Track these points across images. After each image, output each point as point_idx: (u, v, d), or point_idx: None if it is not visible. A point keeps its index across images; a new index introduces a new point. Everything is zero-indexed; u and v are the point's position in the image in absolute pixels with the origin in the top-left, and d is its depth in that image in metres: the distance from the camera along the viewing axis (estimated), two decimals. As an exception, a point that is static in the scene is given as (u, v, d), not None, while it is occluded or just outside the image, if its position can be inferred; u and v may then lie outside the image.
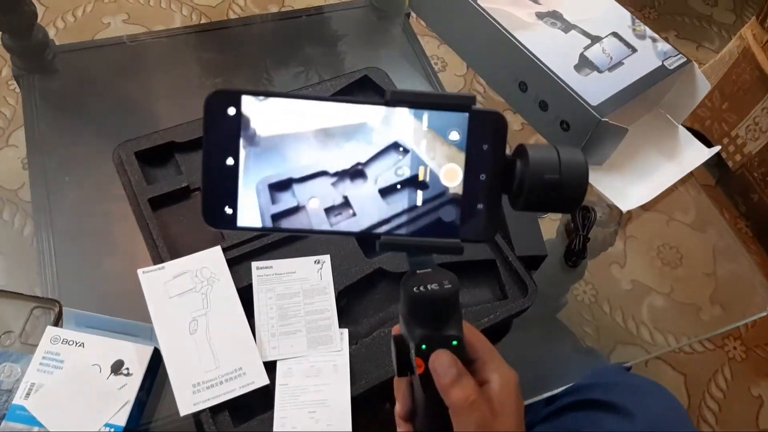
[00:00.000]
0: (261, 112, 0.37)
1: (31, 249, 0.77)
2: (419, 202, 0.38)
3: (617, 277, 0.91)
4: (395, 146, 0.38)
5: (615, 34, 0.85)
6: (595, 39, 0.84)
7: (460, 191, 0.38)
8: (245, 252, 0.69)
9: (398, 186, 0.38)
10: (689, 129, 0.91)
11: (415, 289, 0.39)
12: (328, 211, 0.38)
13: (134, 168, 0.73)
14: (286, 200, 0.37)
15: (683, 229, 0.98)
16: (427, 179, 0.38)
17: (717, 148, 0.88)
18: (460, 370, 0.38)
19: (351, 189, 0.38)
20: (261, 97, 0.36)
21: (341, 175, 0.38)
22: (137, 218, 0.70)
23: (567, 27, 0.84)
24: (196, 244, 0.68)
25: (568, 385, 0.71)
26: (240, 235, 0.70)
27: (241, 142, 0.36)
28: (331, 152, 0.38)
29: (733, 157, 1.35)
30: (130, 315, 0.65)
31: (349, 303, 0.70)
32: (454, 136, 0.38)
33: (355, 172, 0.38)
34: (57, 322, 0.65)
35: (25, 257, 0.78)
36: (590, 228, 0.81)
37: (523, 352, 0.76)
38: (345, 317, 0.68)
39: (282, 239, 0.71)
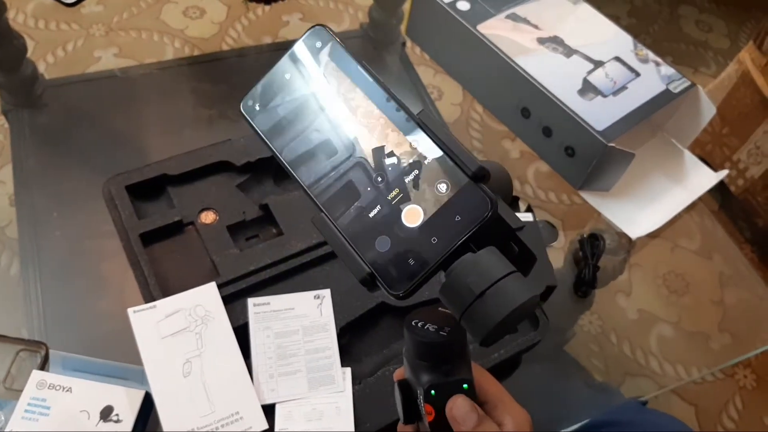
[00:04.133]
0: (330, 65, 0.40)
1: (18, 288, 0.74)
2: (371, 214, 0.37)
3: (623, 307, 0.89)
4: (395, 156, 0.38)
5: (618, 59, 0.84)
6: (597, 64, 0.82)
7: (406, 234, 0.36)
8: (241, 288, 0.67)
9: (368, 189, 0.37)
10: (690, 154, 0.90)
11: (419, 332, 0.37)
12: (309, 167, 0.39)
13: (125, 202, 0.70)
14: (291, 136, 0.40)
15: (689, 256, 0.96)
16: (393, 203, 0.37)
17: (725, 172, 0.86)
18: (481, 416, 0.36)
19: (330, 163, 0.39)
20: (341, 53, 0.40)
21: (336, 153, 0.39)
22: (128, 254, 0.68)
23: (569, 52, 0.83)
24: (189, 280, 0.65)
25: (582, 422, 0.68)
26: (236, 270, 0.67)
27: (303, 73, 0.40)
28: (339, 133, 0.39)
29: (736, 181, 1.33)
30: (120, 357, 0.62)
31: (351, 340, 0.67)
32: (442, 188, 0.36)
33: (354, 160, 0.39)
34: (43, 366, 0.62)
35: (11, 297, 0.75)
36: (599, 256, 0.79)
37: (534, 388, 0.74)
38: (347, 355, 0.65)
39: (279, 274, 0.68)
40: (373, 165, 0.37)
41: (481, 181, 0.36)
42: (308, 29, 0.40)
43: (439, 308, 0.38)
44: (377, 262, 0.36)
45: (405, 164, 0.37)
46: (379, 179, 0.37)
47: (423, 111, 0.37)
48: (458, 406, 0.36)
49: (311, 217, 0.38)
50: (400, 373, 0.40)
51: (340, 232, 0.37)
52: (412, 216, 0.36)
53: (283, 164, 0.40)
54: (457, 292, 0.35)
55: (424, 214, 0.36)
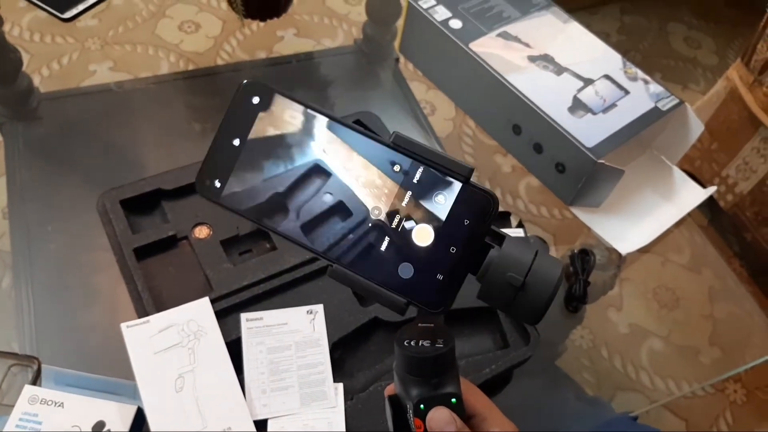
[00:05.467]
0: (278, 115, 0.38)
1: (10, 302, 0.74)
2: (383, 248, 0.37)
3: (614, 321, 0.89)
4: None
5: (607, 77, 0.85)
6: (587, 81, 0.83)
7: (425, 254, 0.37)
8: (234, 303, 0.67)
9: (369, 225, 0.37)
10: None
11: (408, 345, 0.37)
12: (299, 226, 0.38)
13: (119, 216, 0.70)
14: (269, 200, 0.38)
15: (679, 271, 0.97)
16: (398, 230, 0.37)
17: (713, 189, 0.87)
18: (460, 426, 0.36)
19: (323, 216, 0.38)
20: (284, 101, 0.38)
21: (313, 198, 0.38)
22: (121, 269, 0.68)
23: (559, 70, 0.84)
24: (182, 295, 0.65)
25: (573, 438, 0.68)
26: (229, 285, 0.68)
27: (253, 131, 0.38)
28: (315, 178, 0.38)
29: (725, 197, 1.34)
30: (112, 372, 0.62)
31: (344, 355, 0.67)
32: (440, 199, 0.37)
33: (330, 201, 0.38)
34: (35, 381, 0.62)
35: (3, 311, 0.75)
36: (590, 272, 0.80)
37: (524, 403, 0.74)
38: (339, 371, 0.65)
39: (272, 289, 0.69)
40: (367, 203, 0.37)
41: (470, 176, 0.37)
42: (238, 88, 0.38)
43: (420, 323, 0.38)
44: (408, 289, 0.37)
45: (397, 190, 0.37)
46: (376, 212, 0.37)
47: (395, 134, 0.37)
48: (436, 419, 0.36)
49: (327, 272, 0.37)
50: (392, 389, 0.40)
51: (361, 277, 0.37)
52: (423, 236, 0.37)
53: (278, 234, 0.38)
54: (499, 291, 0.36)
55: (433, 229, 0.37)
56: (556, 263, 0.37)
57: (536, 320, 0.36)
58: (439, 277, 0.37)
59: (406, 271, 0.37)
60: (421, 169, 0.37)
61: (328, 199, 0.38)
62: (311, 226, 0.38)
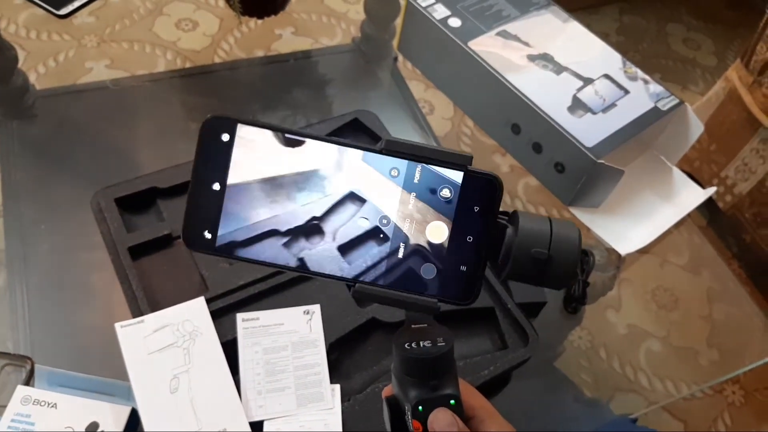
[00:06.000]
0: (253, 144, 0.36)
1: (3, 301, 0.73)
2: (400, 255, 0.37)
3: (613, 322, 0.88)
4: (353, 194, 0.37)
5: (607, 76, 0.84)
6: (587, 81, 0.83)
7: (444, 250, 0.37)
8: (230, 303, 0.66)
9: (381, 236, 0.37)
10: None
11: (407, 346, 0.37)
12: (309, 256, 0.37)
13: (114, 215, 0.70)
14: (268, 238, 0.36)
15: (677, 272, 0.96)
16: (411, 234, 0.37)
17: (713, 189, 0.87)
18: (461, 427, 0.36)
19: (307, 248, 0.37)
20: (254, 129, 0.36)
21: (295, 232, 0.37)
22: (116, 268, 0.67)
23: (559, 69, 0.84)
24: (178, 295, 0.65)
25: (572, 440, 0.68)
26: (224, 285, 0.67)
27: (231, 169, 0.36)
28: (283, 206, 0.37)
29: (724, 197, 1.34)
30: (106, 372, 0.61)
31: (341, 356, 0.66)
32: (445, 193, 0.37)
33: (312, 227, 0.37)
34: (29, 381, 0.62)
35: (-3, 309, 0.74)
36: (589, 272, 0.79)
37: (523, 404, 0.73)
38: (336, 372, 0.65)
39: (269, 288, 0.68)
40: (375, 215, 0.37)
41: (470, 163, 0.37)
42: (201, 127, 0.36)
43: (413, 325, 0.38)
44: (435, 289, 0.37)
45: (400, 195, 0.37)
46: (385, 221, 0.37)
47: (384, 141, 0.37)
48: (438, 419, 0.36)
49: (351, 294, 0.37)
50: (389, 390, 0.40)
51: (386, 289, 0.37)
52: (437, 233, 0.37)
53: (290, 270, 0.37)
54: (527, 269, 0.36)
55: (446, 224, 0.37)
56: (571, 224, 0.37)
57: (567, 285, 0.37)
58: (463, 268, 0.37)
59: (428, 271, 0.37)
60: (419, 168, 0.37)
61: (314, 221, 0.37)
62: (323, 252, 0.37)
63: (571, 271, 0.36)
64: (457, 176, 0.37)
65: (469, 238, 0.37)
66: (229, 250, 0.36)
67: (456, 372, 0.38)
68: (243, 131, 0.36)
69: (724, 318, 0.93)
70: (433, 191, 0.37)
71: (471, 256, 0.37)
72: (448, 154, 0.37)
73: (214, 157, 0.36)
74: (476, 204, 0.37)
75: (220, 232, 0.36)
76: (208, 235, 0.36)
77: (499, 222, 0.37)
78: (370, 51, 1.10)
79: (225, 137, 0.36)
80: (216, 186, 0.36)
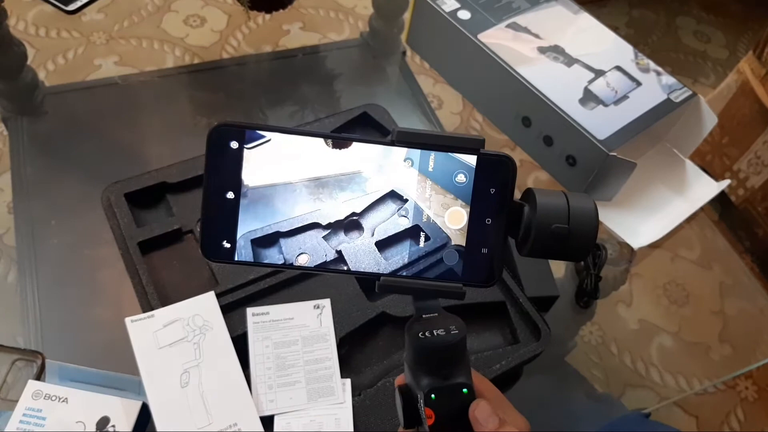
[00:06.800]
0: (262, 151, 0.36)
1: (15, 297, 0.73)
2: (422, 245, 0.37)
3: (624, 317, 0.88)
4: (394, 192, 0.37)
5: (619, 68, 0.83)
6: (598, 73, 0.82)
7: (464, 235, 0.37)
8: (240, 298, 0.66)
9: (399, 233, 0.37)
10: (690, 164, 0.90)
11: (421, 335, 0.37)
12: (332, 255, 0.37)
13: (123, 210, 0.70)
14: (289, 241, 0.36)
15: (689, 266, 0.96)
16: (431, 222, 0.37)
17: (726, 182, 0.86)
18: (503, 419, 0.36)
19: (346, 241, 0.37)
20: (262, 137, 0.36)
21: (335, 226, 0.37)
22: (126, 263, 0.67)
23: (570, 61, 0.83)
24: (188, 289, 0.65)
25: (585, 435, 0.67)
26: (234, 279, 0.67)
27: (243, 176, 0.36)
28: (325, 202, 0.37)
29: (736, 191, 1.33)
30: (117, 367, 0.61)
31: (351, 350, 0.66)
32: (461, 178, 0.37)
33: (351, 223, 0.37)
34: (39, 376, 0.61)
35: (7, 305, 0.74)
36: (601, 266, 0.78)
37: (535, 399, 0.73)
38: (347, 366, 0.64)
39: (279, 283, 0.68)
40: (393, 208, 0.37)
41: (483, 146, 0.37)
42: (208, 137, 0.35)
43: (423, 315, 0.38)
44: (459, 274, 0.37)
45: (416, 184, 0.37)
46: (404, 213, 0.37)
47: (396, 131, 0.37)
48: (481, 409, 0.36)
49: (376, 288, 0.37)
50: (402, 379, 0.40)
51: (410, 279, 0.37)
52: (456, 218, 0.37)
53: (314, 271, 0.37)
54: (547, 245, 0.37)
55: (464, 208, 0.37)
56: (586, 195, 0.38)
57: (587, 255, 0.38)
58: (484, 251, 0.37)
59: (451, 257, 0.37)
60: (433, 156, 0.37)
61: (354, 216, 0.37)
62: (345, 249, 0.37)
63: (592, 242, 0.37)
64: (470, 160, 0.37)
65: (488, 221, 0.37)
66: (250, 257, 0.36)
67: (468, 361, 0.38)
68: (251, 136, 0.36)
69: (736, 313, 0.92)
70: (449, 177, 0.37)
71: (491, 238, 0.37)
72: (460, 140, 0.37)
73: (225, 165, 0.36)
74: (492, 186, 0.37)
75: (238, 242, 0.36)
76: (226, 245, 0.36)
77: (516, 201, 0.38)
78: (378, 45, 1.09)
79: (234, 145, 0.36)
80: (230, 194, 0.36)
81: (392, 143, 0.37)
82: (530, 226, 0.37)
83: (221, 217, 0.36)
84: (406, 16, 0.96)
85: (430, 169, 0.37)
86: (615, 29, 0.89)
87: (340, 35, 1.14)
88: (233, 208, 0.36)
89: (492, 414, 0.36)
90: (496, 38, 0.84)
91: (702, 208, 0.89)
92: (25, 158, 0.85)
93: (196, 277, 0.68)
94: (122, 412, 0.58)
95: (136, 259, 0.67)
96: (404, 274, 0.37)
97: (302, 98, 0.99)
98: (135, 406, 0.58)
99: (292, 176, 0.36)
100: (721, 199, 1.39)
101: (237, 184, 0.36)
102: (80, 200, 0.81)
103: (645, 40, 1.67)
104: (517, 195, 0.39)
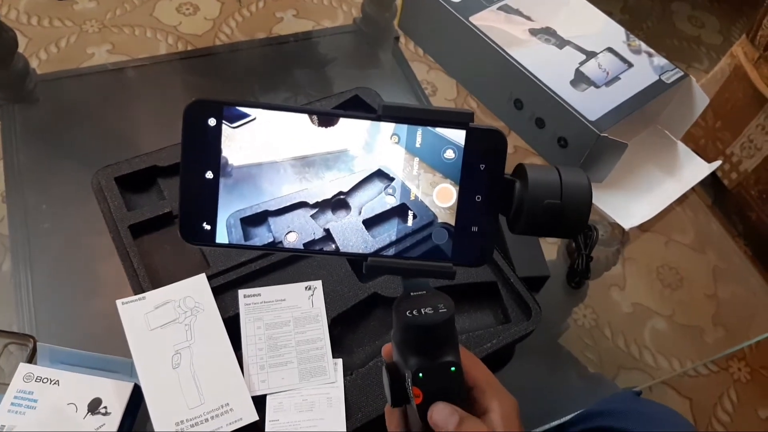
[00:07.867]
0: (246, 129, 0.35)
1: (8, 283, 0.73)
2: (409, 223, 0.36)
3: (617, 300, 0.88)
4: (381, 171, 0.36)
5: (610, 50, 0.83)
6: (590, 54, 0.82)
7: (453, 213, 0.36)
8: (231, 279, 0.66)
9: (386, 211, 0.36)
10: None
11: (408, 313, 0.36)
12: (319, 234, 0.36)
13: (114, 194, 0.70)
14: (272, 221, 0.36)
15: (682, 250, 0.96)
16: (419, 200, 0.36)
17: (718, 163, 0.86)
18: (462, 414, 0.36)
19: (333, 220, 0.36)
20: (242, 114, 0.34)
21: (323, 205, 0.36)
22: (117, 246, 0.67)
23: (561, 43, 0.83)
24: (179, 272, 0.65)
25: (576, 413, 0.67)
26: (226, 261, 0.67)
27: (223, 155, 0.34)
28: (311, 181, 0.35)
29: (729, 175, 1.33)
30: (108, 349, 0.61)
31: (343, 331, 0.66)
32: (449, 154, 0.36)
33: (338, 202, 0.36)
34: (31, 359, 0.62)
35: (1, 292, 0.74)
36: (592, 247, 0.79)
37: (527, 379, 0.73)
38: (338, 346, 0.64)
39: (270, 265, 0.68)
40: (379, 185, 0.36)
41: (472, 120, 0.36)
42: (184, 113, 0.33)
43: (411, 293, 0.37)
44: (450, 252, 0.36)
45: (404, 161, 0.36)
46: (391, 191, 0.36)
47: (382, 106, 0.36)
48: (438, 411, 0.36)
49: (364, 269, 0.36)
50: (388, 348, 0.39)
51: (399, 258, 0.36)
52: (445, 195, 0.36)
53: (300, 252, 0.36)
54: (540, 221, 0.36)
55: (453, 185, 0.36)
56: (578, 169, 0.37)
57: (581, 231, 0.37)
58: (474, 229, 0.36)
59: (440, 236, 0.36)
60: (420, 131, 0.36)
61: (341, 195, 0.36)
62: (333, 228, 0.36)
63: (586, 217, 0.36)
64: (459, 136, 0.36)
65: (478, 198, 0.36)
66: (231, 239, 0.35)
67: (457, 339, 0.38)
68: (230, 112, 0.34)
69: (729, 296, 0.93)
70: (438, 153, 0.36)
71: (482, 216, 0.36)
72: (448, 113, 0.36)
73: (203, 143, 0.34)
74: (482, 162, 0.36)
75: (218, 223, 0.35)
76: (207, 227, 0.35)
77: (507, 177, 0.37)
78: (371, 31, 1.09)
79: (211, 122, 0.34)
80: (209, 174, 0.34)
81: (378, 118, 0.35)
82: (522, 202, 0.36)
83: (200, 198, 0.34)
84: (399, 1, 0.96)
85: (418, 145, 0.36)
86: (609, 14, 0.89)
87: (333, 22, 1.14)
88: (213, 188, 0.34)
89: (451, 413, 0.36)
90: (488, 20, 0.84)
91: (694, 192, 0.89)
92: (17, 145, 0.85)
93: (187, 260, 0.68)
94: (114, 394, 0.58)
95: (127, 242, 0.67)
96: (392, 252, 0.36)
97: (295, 84, 0.99)
98: (127, 388, 0.59)
99: (277, 155, 0.35)
100: (714, 183, 1.39)
101: (216, 163, 0.34)
102: (72, 186, 0.81)
103: (639, 25, 1.66)
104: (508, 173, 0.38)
